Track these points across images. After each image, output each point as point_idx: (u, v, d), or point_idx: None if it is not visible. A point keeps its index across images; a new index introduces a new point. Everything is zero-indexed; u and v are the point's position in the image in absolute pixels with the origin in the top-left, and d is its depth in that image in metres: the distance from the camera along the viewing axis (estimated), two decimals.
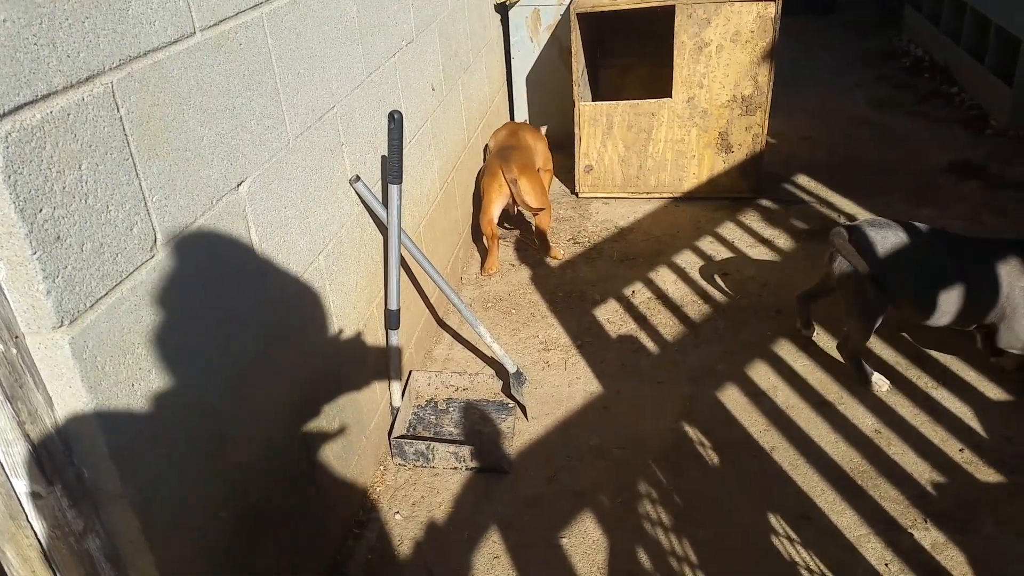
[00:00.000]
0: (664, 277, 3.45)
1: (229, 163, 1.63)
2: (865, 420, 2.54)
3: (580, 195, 4.25)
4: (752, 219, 3.87)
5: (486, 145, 4.16)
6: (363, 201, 2.36)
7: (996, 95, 4.69)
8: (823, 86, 5.54)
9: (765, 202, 4.03)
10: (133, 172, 1.32)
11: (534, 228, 3.74)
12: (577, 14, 3.86)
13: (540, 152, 3.97)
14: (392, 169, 2.24)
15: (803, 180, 4.22)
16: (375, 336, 2.52)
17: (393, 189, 2.27)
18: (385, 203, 2.37)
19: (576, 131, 4.09)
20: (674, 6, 3.73)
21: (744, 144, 3.95)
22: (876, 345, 2.88)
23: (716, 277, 3.41)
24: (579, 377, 2.87)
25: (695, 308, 3.21)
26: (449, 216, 3.43)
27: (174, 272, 1.45)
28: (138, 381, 1.35)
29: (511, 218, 3.99)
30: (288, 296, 1.91)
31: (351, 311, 2.31)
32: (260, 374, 1.78)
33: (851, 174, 4.23)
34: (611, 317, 3.21)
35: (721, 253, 3.60)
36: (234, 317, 1.66)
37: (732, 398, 2.68)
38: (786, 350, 2.91)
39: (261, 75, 1.77)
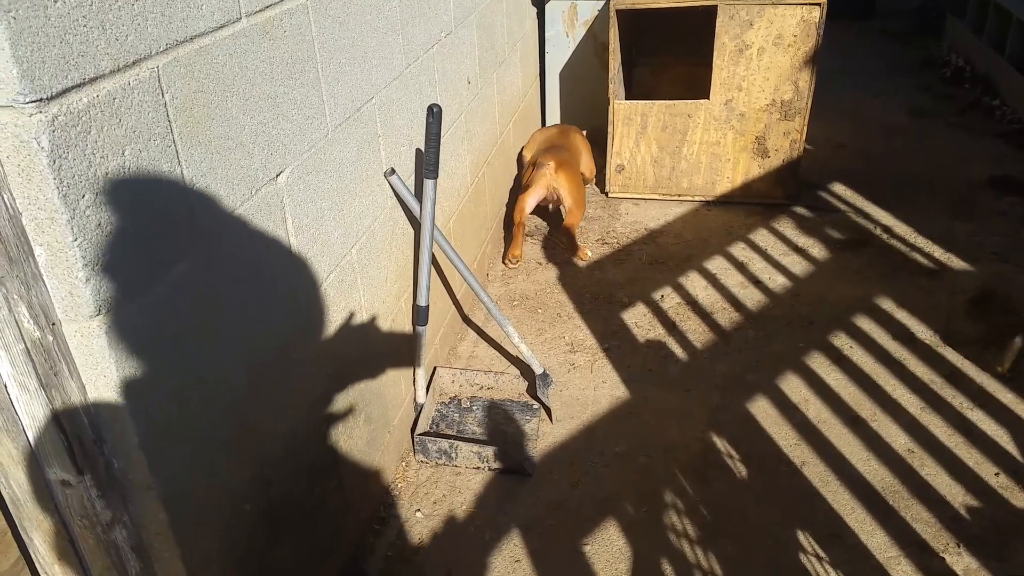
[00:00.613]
0: (694, 282, 3.40)
1: (269, 153, 1.61)
2: (898, 439, 2.48)
3: (610, 195, 4.21)
4: (786, 227, 3.81)
5: (520, 150, 4.17)
6: (397, 195, 2.33)
7: None
8: (861, 92, 5.45)
9: (800, 210, 3.96)
10: (176, 160, 1.30)
11: (562, 226, 3.71)
12: (616, 10, 3.80)
13: (585, 158, 4.09)
14: (428, 164, 2.20)
15: (839, 188, 4.14)
16: (403, 331, 2.49)
17: (428, 184, 2.24)
18: (419, 197, 2.34)
19: (609, 129, 4.04)
20: (716, 6, 3.67)
21: (781, 150, 3.89)
22: (910, 361, 2.82)
23: (748, 284, 3.36)
24: (605, 381, 2.83)
25: (725, 316, 3.16)
26: (479, 211, 3.39)
27: (211, 263, 1.42)
28: (169, 372, 1.33)
29: (543, 213, 3.96)
30: (320, 289, 1.89)
31: (380, 306, 2.29)
32: (287, 367, 1.76)
33: (888, 185, 4.15)
34: (639, 321, 3.16)
35: (754, 260, 3.54)
36: (265, 309, 1.64)
37: (762, 409, 2.63)
38: (819, 363, 2.85)
39: (304, 63, 1.74)
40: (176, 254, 1.32)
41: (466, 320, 3.23)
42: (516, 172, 4.15)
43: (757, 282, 3.38)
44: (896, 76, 5.81)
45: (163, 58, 1.25)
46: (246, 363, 1.57)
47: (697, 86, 4.78)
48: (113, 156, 1.15)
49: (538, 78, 4.61)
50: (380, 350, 2.31)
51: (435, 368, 2.78)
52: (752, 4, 3.62)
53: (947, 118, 4.98)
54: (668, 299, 3.29)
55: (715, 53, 3.75)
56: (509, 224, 3.84)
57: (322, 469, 1.97)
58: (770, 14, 3.62)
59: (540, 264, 3.63)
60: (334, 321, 1.98)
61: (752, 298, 3.27)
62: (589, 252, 3.67)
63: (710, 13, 3.74)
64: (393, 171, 2.27)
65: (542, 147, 3.96)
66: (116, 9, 1.14)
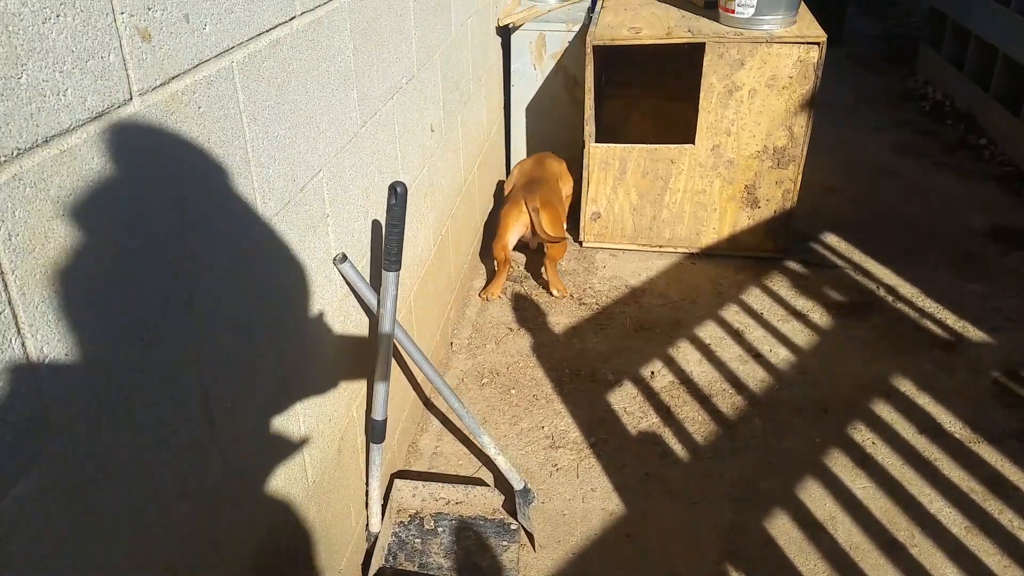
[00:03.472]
0: (687, 355, 3.00)
1: (174, 276, 1.14)
2: (944, 570, 2.11)
3: (585, 244, 3.79)
4: (780, 285, 3.44)
5: (499, 182, 3.97)
6: (349, 284, 1.87)
7: None
8: (840, 127, 5.15)
9: (793, 264, 3.60)
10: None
11: (546, 259, 3.40)
12: (594, 46, 3.39)
13: (566, 182, 3.82)
14: (390, 253, 1.75)
15: (832, 239, 3.80)
16: (353, 449, 2.02)
17: (389, 277, 1.78)
18: (376, 289, 1.88)
19: (584, 174, 3.63)
20: (704, 44, 3.29)
21: (773, 200, 3.52)
22: (943, 463, 2.46)
23: (748, 358, 2.97)
24: (594, 488, 2.40)
25: (727, 400, 2.76)
26: (443, 272, 2.94)
27: None
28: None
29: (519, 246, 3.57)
30: (246, 428, 1.41)
31: (326, 427, 1.82)
32: (203, 546, 1.28)
33: (884, 234, 3.83)
34: (628, 405, 2.74)
35: (749, 327, 3.16)
36: (167, 477, 1.17)
37: (784, 531, 2.24)
38: (840, 465, 2.47)
39: (227, 145, 1.27)
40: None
41: (428, 405, 2.77)
42: (481, 217, 3.71)
43: (757, 355, 2.99)
44: (872, 109, 5.54)
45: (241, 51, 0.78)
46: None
47: (670, 121, 4.42)
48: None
49: (502, 112, 4.18)
50: (325, 483, 1.84)
51: (392, 479, 2.31)
52: (743, 42, 3.25)
53: (934, 157, 4.70)
54: (660, 377, 2.88)
55: (702, 95, 3.37)
56: (487, 255, 3.58)
57: None
58: (763, 54, 3.26)
59: (511, 330, 3.19)
60: (262, 473, 1.50)
61: (754, 376, 2.88)
62: (568, 291, 3.41)
63: (695, 50, 3.37)
64: (345, 257, 1.82)
65: (522, 181, 3.62)
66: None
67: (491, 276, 3.51)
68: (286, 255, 1.55)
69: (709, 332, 3.13)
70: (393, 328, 1.88)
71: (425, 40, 2.50)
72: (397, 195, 1.68)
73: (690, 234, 3.67)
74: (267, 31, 1.40)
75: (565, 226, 3.86)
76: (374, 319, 1.94)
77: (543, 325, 3.21)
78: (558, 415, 2.71)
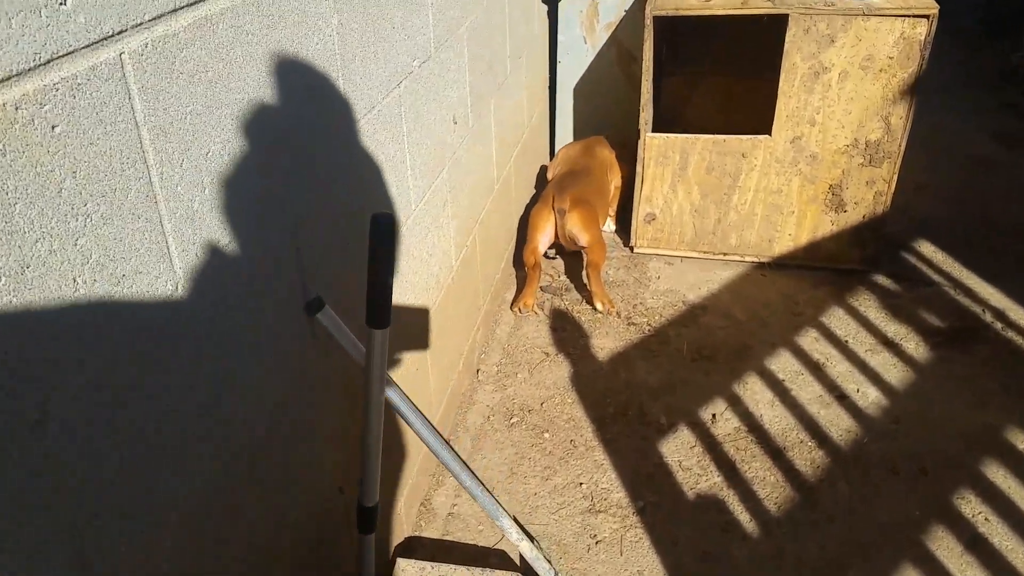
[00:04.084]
0: (756, 393, 2.52)
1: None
2: None
3: (636, 249, 3.31)
4: (867, 305, 2.92)
5: (543, 167, 3.60)
6: (330, 333, 1.44)
7: None
8: (934, 110, 4.52)
9: (881, 279, 3.07)
10: None
11: (586, 265, 2.97)
12: (654, 17, 2.88)
13: (615, 173, 3.43)
14: (374, 307, 1.31)
15: (926, 248, 3.26)
16: (337, 538, 1.61)
17: (375, 335, 1.34)
18: (362, 343, 1.45)
19: (639, 169, 3.14)
20: (787, 16, 2.75)
21: (862, 203, 2.99)
22: (1014, 554, 1.95)
23: (830, 400, 2.48)
24: (641, 571, 1.96)
25: (805, 454, 2.28)
26: (468, 290, 2.50)
27: None
28: None
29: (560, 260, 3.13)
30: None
31: (303, 512, 1.40)
32: None
33: (986, 242, 3.27)
34: (685, 458, 2.29)
35: (831, 359, 2.66)
36: None
37: None
38: (946, 548, 1.98)
39: (124, 191, 0.84)
40: None
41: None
42: (518, 213, 3.26)
43: (842, 396, 2.50)
44: (971, 90, 4.90)
45: None
46: None
47: (739, 103, 3.88)
48: None
49: (547, 93, 3.70)
50: None
51: (395, 557, 1.90)
52: (835, 14, 2.71)
53: None
54: (723, 421, 2.41)
55: (782, 77, 2.84)
56: (518, 263, 3.16)
57: None
58: (859, 28, 2.71)
59: (547, 355, 2.74)
60: None
61: (838, 424, 2.39)
62: (613, 306, 2.94)
63: (769, 22, 2.84)
64: (321, 303, 1.39)
65: (563, 169, 3.22)
66: None
67: (521, 284, 3.07)
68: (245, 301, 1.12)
69: (783, 364, 2.64)
70: (383, 394, 1.45)
71: (445, 11, 2.04)
72: (380, 228, 1.23)
73: (760, 240, 3.16)
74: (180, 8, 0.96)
75: (610, 226, 3.41)
76: (361, 370, 1.50)
77: (584, 349, 2.76)
78: (599, 468, 2.27)
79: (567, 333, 2.84)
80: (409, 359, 1.97)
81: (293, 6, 1.24)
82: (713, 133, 4.06)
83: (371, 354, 1.38)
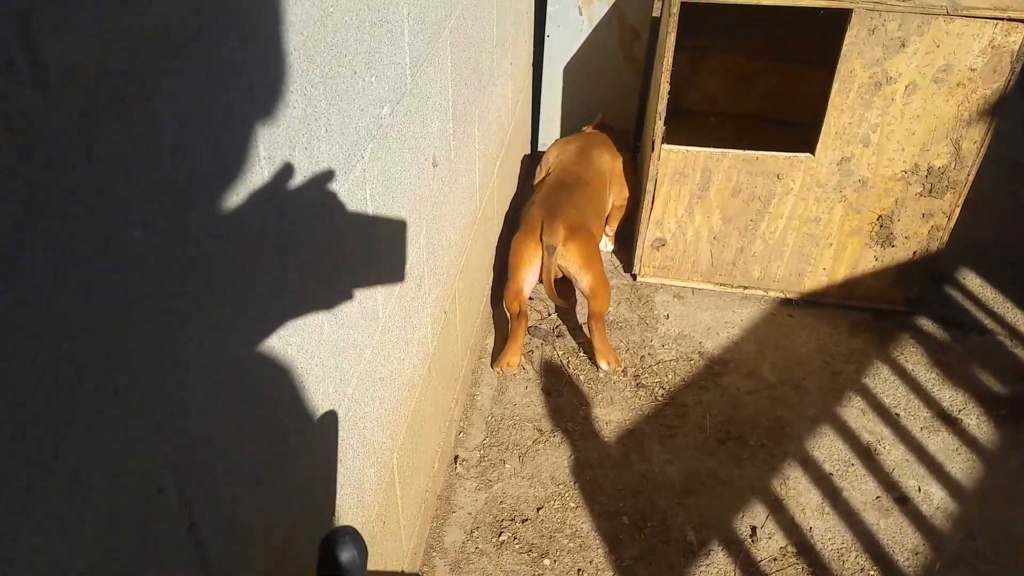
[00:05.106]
0: (800, 493, 2.05)
1: None
2: None
3: (640, 277, 2.77)
4: (915, 361, 2.46)
5: (525, 156, 3.07)
6: None
7: None
8: None
9: (925, 323, 2.61)
10: None
11: (588, 318, 2.42)
12: (682, 3, 2.28)
13: (618, 188, 2.81)
14: None
15: (971, 280, 2.80)
16: None
17: None
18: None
19: (649, 186, 2.57)
20: (850, 11, 2.18)
21: (915, 238, 2.50)
22: None
23: (889, 504, 2.03)
24: None
25: None
26: (446, 366, 1.94)
27: None
28: None
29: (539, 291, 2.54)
30: None
31: None
32: None
33: None
34: None
35: (884, 440, 2.20)
36: None
37: None
38: None
39: None
40: None
41: (430, 549, 1.83)
42: (497, 237, 2.68)
43: (902, 499, 2.04)
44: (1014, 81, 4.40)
45: None
46: None
47: (749, 85, 3.32)
48: None
49: (530, 72, 3.07)
50: None
51: None
52: (910, 12, 2.15)
53: None
54: (764, 538, 1.94)
55: (835, 86, 2.28)
56: (497, 299, 2.56)
57: None
58: (937, 32, 2.16)
59: (540, 433, 2.21)
60: None
61: (902, 542, 1.94)
62: (621, 363, 2.40)
63: (832, 18, 2.26)
64: None
65: (553, 177, 2.65)
66: None
67: (503, 332, 2.51)
68: None
69: (828, 448, 2.18)
70: None
71: (425, 17, 1.42)
72: (341, 563, 0.67)
73: (789, 274, 2.65)
74: None
75: (606, 245, 2.86)
76: None
77: (586, 423, 2.24)
78: None
79: (564, 399, 2.32)
80: (375, 512, 1.43)
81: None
82: (719, 117, 3.53)
83: None
